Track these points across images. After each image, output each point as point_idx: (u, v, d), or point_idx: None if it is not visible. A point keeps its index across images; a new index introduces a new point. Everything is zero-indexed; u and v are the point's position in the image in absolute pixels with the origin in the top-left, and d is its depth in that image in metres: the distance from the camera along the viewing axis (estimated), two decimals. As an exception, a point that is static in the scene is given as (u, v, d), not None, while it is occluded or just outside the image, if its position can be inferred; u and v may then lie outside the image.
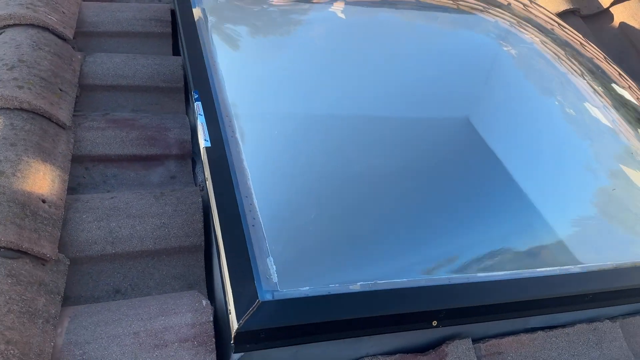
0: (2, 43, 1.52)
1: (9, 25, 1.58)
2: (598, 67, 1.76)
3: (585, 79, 1.79)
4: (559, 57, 1.87)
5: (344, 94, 1.82)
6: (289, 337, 0.97)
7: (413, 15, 2.13)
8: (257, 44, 1.79)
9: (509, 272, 1.16)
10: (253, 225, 1.11)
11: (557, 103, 1.83)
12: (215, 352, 0.99)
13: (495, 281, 1.11)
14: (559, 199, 1.68)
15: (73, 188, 1.34)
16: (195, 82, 1.45)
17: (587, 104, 1.80)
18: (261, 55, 1.75)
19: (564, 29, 1.87)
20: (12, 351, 0.88)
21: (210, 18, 1.79)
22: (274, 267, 1.05)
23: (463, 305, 1.06)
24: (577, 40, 1.85)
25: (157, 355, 0.96)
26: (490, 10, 2.04)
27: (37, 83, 1.38)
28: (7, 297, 0.94)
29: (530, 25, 1.96)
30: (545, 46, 1.90)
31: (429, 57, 2.10)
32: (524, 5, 1.97)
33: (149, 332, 0.99)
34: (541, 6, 2.03)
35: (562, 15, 2.51)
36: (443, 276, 1.12)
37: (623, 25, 2.50)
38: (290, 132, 1.58)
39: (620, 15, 2.52)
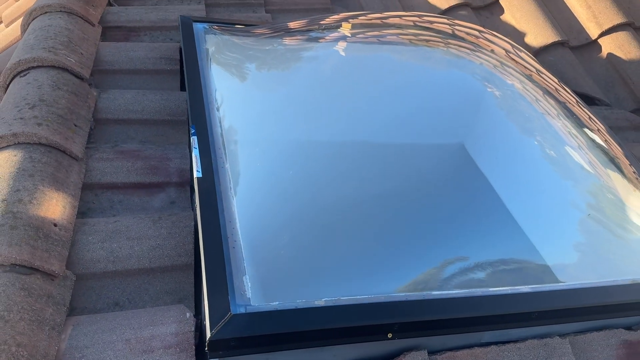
0: (26, 84, 1.73)
1: (32, 67, 1.79)
2: (571, 111, 1.90)
3: (561, 121, 1.93)
4: (537, 99, 2.01)
5: (338, 123, 1.98)
6: (258, 346, 1.11)
7: (408, 51, 2.28)
8: (256, 79, 1.97)
9: (462, 290, 1.29)
10: (234, 247, 1.27)
11: (536, 142, 1.95)
12: (195, 357, 1.15)
13: (448, 298, 1.24)
14: (541, 223, 1.81)
15: (83, 212, 1.52)
16: (193, 117, 1.63)
17: (563, 143, 1.93)
18: (259, 89, 1.92)
19: (541, 74, 2.02)
20: (21, 353, 1.05)
21: (212, 56, 1.97)
22: (249, 284, 1.20)
23: (415, 320, 1.19)
24: (552, 85, 1.99)
25: (144, 359, 1.12)
26: (477, 53, 2.19)
27: (54, 120, 1.57)
28: (19, 307, 1.11)
29: (512, 69, 2.10)
30: (525, 88, 2.04)
31: (423, 91, 2.25)
32: (506, 51, 2.11)
33: (139, 339, 1.15)
34: (523, 50, 2.17)
35: (551, 46, 2.64)
36: (401, 294, 1.25)
37: (610, 55, 2.61)
38: (285, 158, 1.74)
39: (607, 46, 2.63)
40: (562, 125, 1.95)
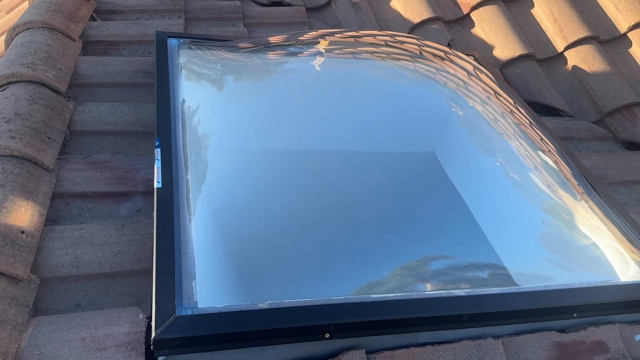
0: (4, 98, 1.83)
1: (11, 82, 1.90)
2: (524, 132, 2.01)
3: (515, 140, 2.03)
4: (494, 118, 2.12)
5: (304, 132, 2.08)
6: (201, 345, 1.21)
7: (380, 68, 2.38)
8: (223, 91, 2.07)
9: (399, 293, 1.39)
10: (186, 254, 1.37)
11: (496, 159, 2.05)
12: (145, 356, 1.24)
13: (383, 301, 1.34)
14: (501, 228, 1.91)
15: (53, 220, 1.62)
16: (158, 129, 1.73)
17: (518, 161, 2.03)
18: (226, 101, 2.03)
19: (499, 96, 2.12)
20: (-18, 349, 1.14)
21: (183, 70, 2.08)
22: (198, 288, 1.30)
23: (350, 321, 1.29)
24: (508, 106, 2.09)
25: (97, 356, 1.22)
26: (443, 73, 2.30)
27: (28, 133, 1.68)
28: (-17, 308, 1.21)
29: (472, 91, 2.21)
30: (484, 108, 2.15)
31: (392, 105, 2.35)
32: (468, 73, 2.22)
33: (94, 338, 1.25)
34: (484, 71, 2.27)
35: (518, 59, 2.74)
36: (340, 297, 1.35)
37: (575, 68, 2.70)
38: (247, 167, 1.85)
39: (573, 59, 2.72)
40: (516, 144, 2.05)
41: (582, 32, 2.71)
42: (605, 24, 2.84)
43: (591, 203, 1.84)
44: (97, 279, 1.45)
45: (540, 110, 2.68)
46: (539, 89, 2.65)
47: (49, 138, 1.76)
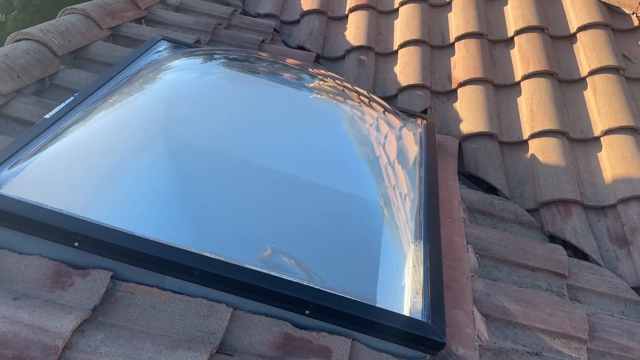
0: (11, 47, 2.45)
1: (25, 39, 2.52)
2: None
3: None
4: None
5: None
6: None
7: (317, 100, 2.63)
8: (170, 80, 2.48)
9: (151, 235, 1.60)
10: (38, 152, 1.76)
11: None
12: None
13: (132, 234, 1.59)
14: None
15: (-13, 129, 2.13)
16: (84, 89, 2.19)
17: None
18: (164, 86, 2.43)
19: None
20: None
21: (152, 60, 2.54)
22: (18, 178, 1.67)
23: (96, 237, 1.56)
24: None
25: None
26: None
27: (3, 69, 2.24)
28: None
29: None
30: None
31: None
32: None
33: None
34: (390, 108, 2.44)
35: (479, 136, 2.81)
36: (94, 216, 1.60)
37: (532, 156, 2.70)
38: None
39: (534, 147, 2.72)
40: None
41: (549, 125, 2.72)
42: (583, 124, 2.81)
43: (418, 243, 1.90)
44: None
45: (477, 183, 2.71)
46: (485, 166, 2.70)
47: (18, 77, 2.31)
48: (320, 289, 1.59)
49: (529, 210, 2.58)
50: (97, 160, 1.81)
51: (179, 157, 1.86)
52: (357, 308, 1.59)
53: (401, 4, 3.62)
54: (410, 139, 2.51)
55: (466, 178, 2.81)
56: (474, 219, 2.47)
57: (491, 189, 2.70)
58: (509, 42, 3.27)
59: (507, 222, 2.49)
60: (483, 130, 2.79)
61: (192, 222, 1.72)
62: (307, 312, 1.59)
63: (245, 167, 1.88)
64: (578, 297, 2.20)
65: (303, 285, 1.60)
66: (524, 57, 3.09)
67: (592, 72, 2.95)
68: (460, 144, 2.84)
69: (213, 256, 1.62)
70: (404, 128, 2.57)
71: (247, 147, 1.93)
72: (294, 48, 3.58)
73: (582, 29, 3.16)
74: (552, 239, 2.49)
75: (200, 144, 1.91)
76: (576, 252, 2.44)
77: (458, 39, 3.30)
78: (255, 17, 3.86)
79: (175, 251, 1.60)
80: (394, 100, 3.17)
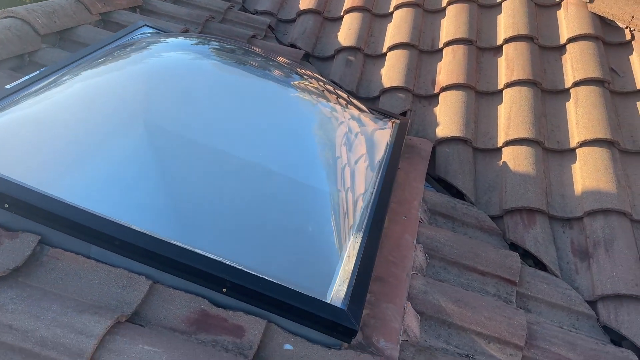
0: (-5, 22, 2.54)
1: (10, 16, 2.60)
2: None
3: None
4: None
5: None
6: None
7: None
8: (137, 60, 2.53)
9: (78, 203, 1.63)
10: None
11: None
12: None
13: (61, 200, 1.62)
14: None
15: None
16: (52, 65, 2.24)
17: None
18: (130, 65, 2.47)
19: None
20: None
21: (130, 43, 2.59)
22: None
23: (23, 200, 1.59)
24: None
25: None
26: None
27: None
28: None
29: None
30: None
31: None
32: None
33: None
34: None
35: (453, 140, 2.78)
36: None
37: (504, 164, 2.66)
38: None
39: (507, 155, 2.69)
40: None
41: (524, 134, 2.68)
42: (561, 134, 2.75)
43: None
44: None
45: (448, 187, 2.68)
46: (455, 170, 2.67)
47: (-5, 50, 2.39)
48: (239, 267, 1.59)
49: (493, 217, 2.53)
50: (35, 127, 1.85)
51: (117, 130, 1.89)
52: (273, 289, 1.59)
53: (396, 8, 3.62)
54: (378, 139, 2.50)
55: (437, 182, 2.77)
56: (434, 220, 2.44)
57: (460, 194, 2.66)
58: (498, 50, 3.23)
59: (468, 226, 2.45)
60: (457, 135, 2.76)
61: (124, 194, 1.74)
62: (224, 290, 1.59)
63: (188, 145, 1.90)
64: (528, 306, 2.14)
65: (221, 262, 1.60)
66: (509, 65, 3.05)
67: (576, 84, 2.89)
68: (434, 148, 2.81)
69: (138, 229, 1.64)
70: (374, 127, 2.57)
71: (193, 126, 1.95)
72: (286, 46, 3.61)
73: (572, 40, 3.11)
74: (515, 247, 2.43)
75: (145, 117, 1.94)
76: (537, 263, 2.38)
77: (446, 44, 3.28)
78: (253, 14, 3.91)
79: (99, 220, 1.63)
80: (376, 101, 3.16)
